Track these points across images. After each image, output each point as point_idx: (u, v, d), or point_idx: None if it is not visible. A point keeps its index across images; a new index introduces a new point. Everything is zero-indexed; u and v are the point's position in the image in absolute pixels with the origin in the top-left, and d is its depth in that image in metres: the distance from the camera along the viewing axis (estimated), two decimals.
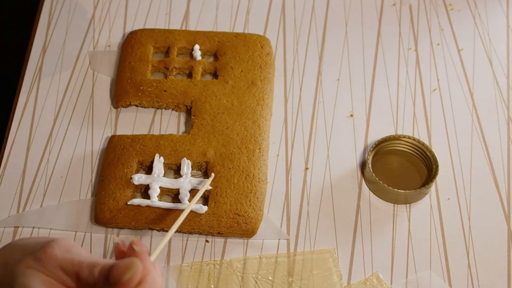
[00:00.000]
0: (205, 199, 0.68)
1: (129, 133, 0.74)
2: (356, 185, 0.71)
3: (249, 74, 0.76)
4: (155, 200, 0.66)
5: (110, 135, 0.74)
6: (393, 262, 0.66)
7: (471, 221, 0.68)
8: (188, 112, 0.75)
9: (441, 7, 0.87)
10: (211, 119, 0.73)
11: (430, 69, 0.80)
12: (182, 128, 0.75)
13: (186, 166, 0.69)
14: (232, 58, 0.77)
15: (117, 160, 0.69)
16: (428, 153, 0.70)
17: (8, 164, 0.72)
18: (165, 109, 0.76)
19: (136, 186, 0.68)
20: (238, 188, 0.68)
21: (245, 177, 0.69)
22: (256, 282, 0.64)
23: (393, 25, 0.85)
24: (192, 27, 0.84)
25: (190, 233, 0.67)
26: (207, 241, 0.67)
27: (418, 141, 0.71)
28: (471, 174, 0.72)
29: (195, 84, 0.75)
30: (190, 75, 0.77)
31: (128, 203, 0.66)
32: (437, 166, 0.69)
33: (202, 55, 0.79)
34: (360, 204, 0.69)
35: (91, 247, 0.67)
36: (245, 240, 0.67)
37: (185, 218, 0.65)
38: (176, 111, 0.76)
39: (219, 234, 0.67)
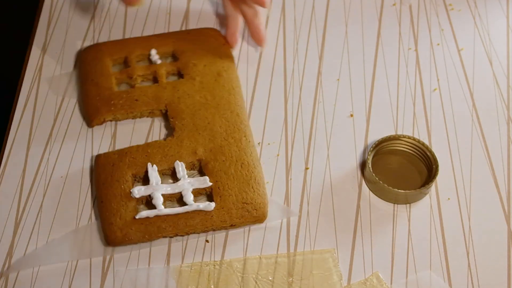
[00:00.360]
0: (209, 196, 0.68)
1: (112, 147, 0.74)
2: (356, 185, 0.71)
3: (213, 67, 0.77)
4: (161, 208, 0.66)
5: (106, 141, 0.74)
6: (393, 262, 0.66)
7: (471, 221, 0.68)
8: (165, 116, 0.75)
9: (441, 7, 0.87)
10: (190, 117, 0.72)
11: (430, 69, 0.80)
12: (163, 132, 0.75)
13: (181, 168, 0.69)
14: (192, 55, 0.77)
15: (111, 178, 0.68)
16: (428, 153, 0.70)
17: (8, 164, 0.72)
18: (140, 117, 0.75)
19: (138, 199, 0.68)
20: (237, 177, 0.68)
21: (241, 166, 0.69)
22: (256, 282, 0.64)
23: (393, 25, 0.85)
24: (192, 26, 0.84)
25: (204, 231, 0.67)
26: (207, 241, 0.67)
27: (418, 141, 0.71)
28: (471, 174, 0.72)
29: (164, 87, 0.75)
30: (155, 80, 0.77)
31: (136, 217, 0.65)
32: (437, 166, 0.69)
33: (161, 58, 0.78)
34: (360, 204, 0.69)
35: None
36: (245, 241, 0.67)
37: (197, 220, 0.65)
38: (152, 117, 0.76)
39: (233, 226, 0.67)
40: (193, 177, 0.69)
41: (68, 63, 0.80)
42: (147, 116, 0.75)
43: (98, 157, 0.70)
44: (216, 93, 0.74)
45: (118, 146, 0.73)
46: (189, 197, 0.67)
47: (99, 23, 0.84)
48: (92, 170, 0.71)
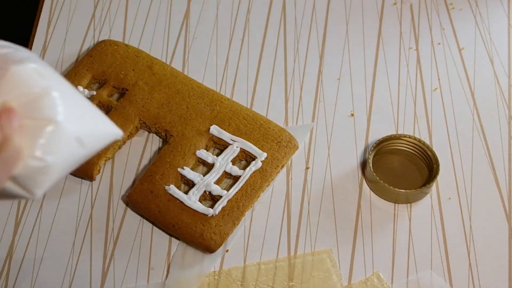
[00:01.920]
0: (247, 160, 0.71)
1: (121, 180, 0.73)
2: (356, 185, 0.71)
3: (138, 67, 0.77)
4: (226, 192, 0.67)
5: None
6: (394, 262, 0.65)
7: (472, 220, 0.68)
8: (143, 126, 0.74)
9: (442, 6, 0.87)
10: (170, 112, 0.73)
11: (431, 68, 0.80)
12: (155, 138, 0.75)
13: (205, 154, 0.70)
14: (111, 71, 0.77)
15: (162, 203, 0.68)
16: (429, 153, 0.70)
17: None
18: (125, 143, 0.74)
19: (199, 200, 0.68)
20: (252, 130, 0.72)
21: (244, 119, 0.73)
22: None
23: (394, 24, 0.85)
24: (192, 25, 0.84)
25: (269, 184, 0.70)
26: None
27: (419, 141, 0.70)
28: (472, 174, 0.71)
29: (123, 107, 0.74)
30: (107, 109, 0.75)
31: (216, 213, 0.66)
32: (438, 165, 0.69)
33: (90, 90, 0.76)
34: (361, 203, 0.69)
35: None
36: (245, 247, 0.67)
37: (258, 180, 0.69)
38: (133, 133, 0.74)
39: (283, 166, 0.71)
40: (218, 155, 0.71)
41: (68, 63, 0.80)
42: (129, 138, 0.74)
43: (130, 196, 0.69)
44: (164, 79, 0.76)
45: (128, 175, 0.72)
46: (236, 169, 0.69)
47: (99, 23, 0.84)
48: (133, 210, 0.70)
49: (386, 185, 0.67)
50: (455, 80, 0.79)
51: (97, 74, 0.77)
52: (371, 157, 0.69)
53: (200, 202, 0.67)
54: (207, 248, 0.65)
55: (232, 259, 0.66)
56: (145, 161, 0.73)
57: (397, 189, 0.67)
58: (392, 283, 0.64)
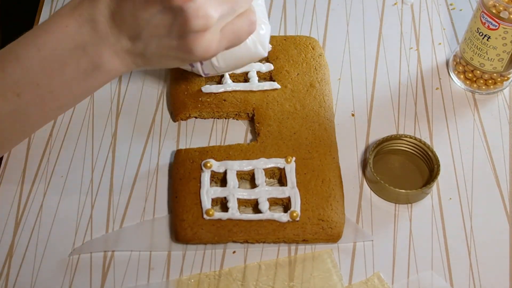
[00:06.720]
0: (285, 208, 0.67)
1: (188, 144, 0.73)
2: (357, 185, 0.71)
3: (306, 77, 0.75)
4: (235, 212, 0.65)
5: (110, 139, 0.74)
6: (395, 262, 0.65)
7: (472, 221, 0.68)
8: (250, 120, 0.74)
9: (443, 6, 0.87)
10: (277, 125, 0.71)
11: (431, 68, 0.80)
12: (247, 136, 0.74)
13: (260, 175, 0.67)
14: (286, 62, 0.76)
15: (189, 175, 0.67)
16: (429, 153, 0.70)
17: (8, 164, 0.72)
18: (226, 118, 0.75)
19: (212, 200, 0.66)
20: (316, 193, 0.66)
21: (322, 182, 0.67)
22: None
23: (395, 24, 0.85)
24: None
25: (275, 242, 0.66)
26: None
27: (420, 141, 0.70)
28: (473, 174, 0.71)
29: (254, 91, 0.74)
30: (245, 82, 0.75)
31: (208, 217, 0.64)
32: (438, 166, 0.69)
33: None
34: (361, 204, 0.69)
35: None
36: (245, 248, 0.67)
37: (269, 229, 0.64)
38: (236, 119, 0.75)
39: (304, 241, 0.65)
40: (271, 185, 0.68)
41: None
42: (233, 118, 0.74)
43: (179, 152, 0.70)
44: (306, 103, 0.73)
45: (197, 144, 0.73)
46: (264, 205, 0.65)
47: None
48: (170, 164, 0.71)
49: (387, 185, 0.67)
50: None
51: (271, 54, 0.76)
52: (371, 157, 0.69)
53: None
54: (176, 235, 0.65)
55: (233, 259, 0.66)
56: (145, 161, 0.73)
57: (397, 190, 0.67)
58: (392, 283, 0.64)
